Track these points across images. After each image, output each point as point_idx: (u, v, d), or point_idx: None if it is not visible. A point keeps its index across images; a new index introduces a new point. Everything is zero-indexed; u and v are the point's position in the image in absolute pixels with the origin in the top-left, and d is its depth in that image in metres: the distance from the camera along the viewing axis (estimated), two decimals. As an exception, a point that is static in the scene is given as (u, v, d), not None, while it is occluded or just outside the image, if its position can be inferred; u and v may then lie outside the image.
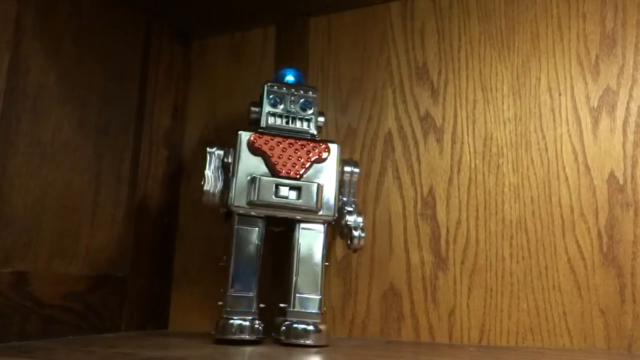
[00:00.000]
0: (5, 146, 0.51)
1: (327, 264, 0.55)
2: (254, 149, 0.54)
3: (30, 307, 0.52)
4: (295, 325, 0.51)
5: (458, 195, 0.60)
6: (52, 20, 0.56)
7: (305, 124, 0.57)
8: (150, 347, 0.50)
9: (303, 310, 0.53)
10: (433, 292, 0.59)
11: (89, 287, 0.59)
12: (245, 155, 0.54)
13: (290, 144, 0.55)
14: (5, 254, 0.51)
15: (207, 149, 0.55)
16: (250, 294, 0.53)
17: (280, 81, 0.59)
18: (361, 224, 0.55)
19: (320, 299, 0.53)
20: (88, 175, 0.60)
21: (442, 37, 0.64)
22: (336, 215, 0.55)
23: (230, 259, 0.53)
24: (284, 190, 0.53)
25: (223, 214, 0.56)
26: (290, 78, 0.60)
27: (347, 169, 0.57)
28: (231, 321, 0.51)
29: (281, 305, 0.53)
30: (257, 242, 0.54)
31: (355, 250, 0.58)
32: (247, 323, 0.51)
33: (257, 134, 0.55)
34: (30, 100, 0.54)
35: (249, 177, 0.53)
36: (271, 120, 0.57)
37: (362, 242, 0.55)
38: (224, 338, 0.51)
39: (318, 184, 0.54)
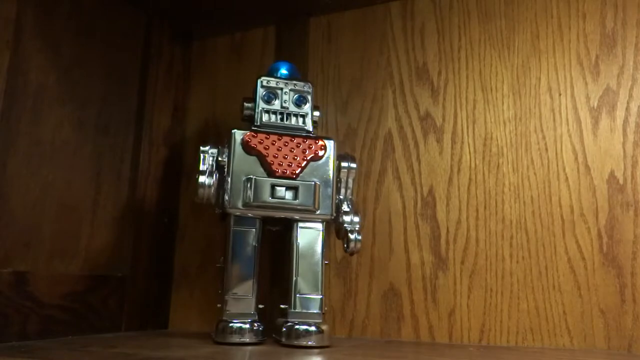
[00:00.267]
0: (5, 146, 0.51)
1: (326, 262, 0.55)
2: (248, 149, 0.53)
3: (30, 307, 0.52)
4: (296, 327, 0.51)
5: (458, 195, 0.60)
6: (52, 20, 0.56)
7: (300, 120, 0.56)
8: (150, 347, 0.50)
9: (304, 310, 0.52)
10: (433, 292, 0.59)
11: (89, 287, 0.59)
12: (239, 155, 0.53)
13: (285, 143, 0.54)
14: (5, 254, 0.51)
15: (201, 147, 0.55)
16: (249, 296, 0.52)
17: (273, 75, 0.58)
18: (358, 225, 0.55)
19: (322, 298, 0.53)
20: (88, 175, 0.60)
21: (442, 37, 0.64)
22: (334, 214, 0.54)
23: (226, 260, 0.53)
24: (280, 191, 0.52)
25: (219, 214, 0.56)
26: (283, 71, 0.59)
27: (344, 164, 0.56)
28: (230, 324, 0.51)
29: (281, 306, 0.53)
30: (254, 243, 0.53)
31: (352, 254, 0.58)
32: (247, 325, 0.51)
33: (252, 133, 0.54)
34: (30, 100, 0.54)
35: (244, 178, 0.52)
36: (265, 117, 0.56)
37: (358, 246, 0.54)
38: (223, 341, 0.51)
39: (315, 183, 0.53)
